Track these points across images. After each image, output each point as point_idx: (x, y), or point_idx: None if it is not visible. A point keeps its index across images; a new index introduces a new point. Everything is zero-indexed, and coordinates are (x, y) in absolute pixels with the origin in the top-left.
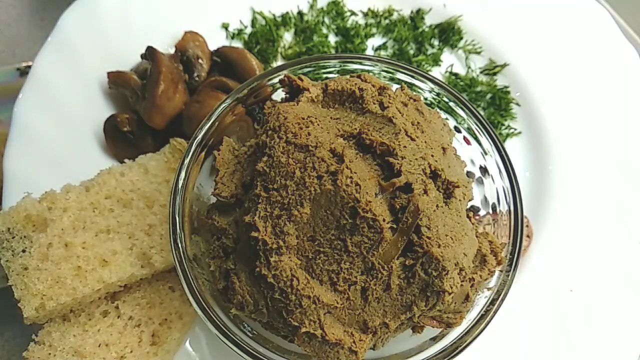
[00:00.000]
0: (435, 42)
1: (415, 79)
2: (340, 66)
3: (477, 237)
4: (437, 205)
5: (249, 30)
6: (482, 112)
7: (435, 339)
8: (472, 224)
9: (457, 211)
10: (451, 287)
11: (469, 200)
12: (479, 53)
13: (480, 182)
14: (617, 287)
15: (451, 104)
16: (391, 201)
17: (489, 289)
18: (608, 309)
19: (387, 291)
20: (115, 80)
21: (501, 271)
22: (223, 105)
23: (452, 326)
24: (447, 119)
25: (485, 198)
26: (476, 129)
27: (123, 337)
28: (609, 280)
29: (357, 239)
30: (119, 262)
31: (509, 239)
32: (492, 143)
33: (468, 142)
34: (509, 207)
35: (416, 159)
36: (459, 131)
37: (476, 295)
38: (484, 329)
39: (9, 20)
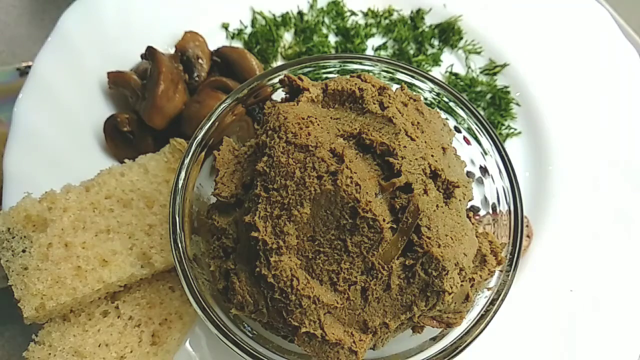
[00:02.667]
0: (435, 42)
1: (415, 79)
2: (340, 66)
3: (477, 237)
4: (437, 205)
5: (249, 30)
6: (482, 112)
7: (435, 339)
8: (472, 224)
9: (457, 211)
10: (451, 287)
11: (469, 200)
12: (479, 53)
13: (480, 182)
14: (617, 287)
15: (451, 104)
16: (391, 201)
17: (489, 289)
18: (608, 309)
19: (387, 291)
20: (115, 80)
21: (501, 271)
22: (223, 105)
23: (452, 326)
24: (447, 119)
25: (485, 198)
26: (476, 129)
27: (123, 337)
28: (609, 280)
29: (357, 239)
30: (119, 262)
31: (509, 239)
32: (492, 143)
33: (468, 142)
34: (509, 207)
35: (416, 159)
36: (459, 131)
37: (476, 295)
38: (484, 329)
39: (9, 20)
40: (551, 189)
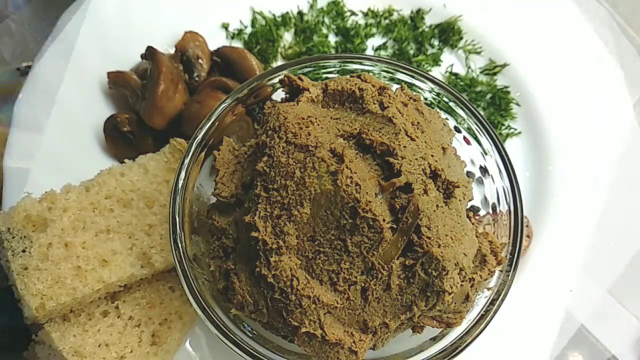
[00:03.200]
0: (435, 42)
1: (415, 79)
2: (340, 66)
3: (477, 237)
4: (437, 205)
5: (249, 30)
6: (482, 112)
7: (435, 339)
8: (472, 224)
9: (457, 211)
10: (451, 287)
11: (469, 200)
12: (479, 53)
13: (480, 182)
14: (617, 287)
15: (451, 104)
16: (391, 201)
17: (489, 289)
18: (608, 309)
19: (387, 291)
20: (115, 80)
21: (501, 271)
22: (223, 105)
23: (452, 326)
24: (447, 119)
25: (485, 198)
26: (476, 129)
27: (123, 337)
28: (609, 280)
29: (357, 239)
30: (119, 262)
31: (509, 239)
32: (492, 143)
33: (468, 142)
34: (509, 207)
35: (416, 159)
36: (459, 131)
37: (476, 295)
38: (484, 329)
39: (9, 20)
40: (551, 189)
